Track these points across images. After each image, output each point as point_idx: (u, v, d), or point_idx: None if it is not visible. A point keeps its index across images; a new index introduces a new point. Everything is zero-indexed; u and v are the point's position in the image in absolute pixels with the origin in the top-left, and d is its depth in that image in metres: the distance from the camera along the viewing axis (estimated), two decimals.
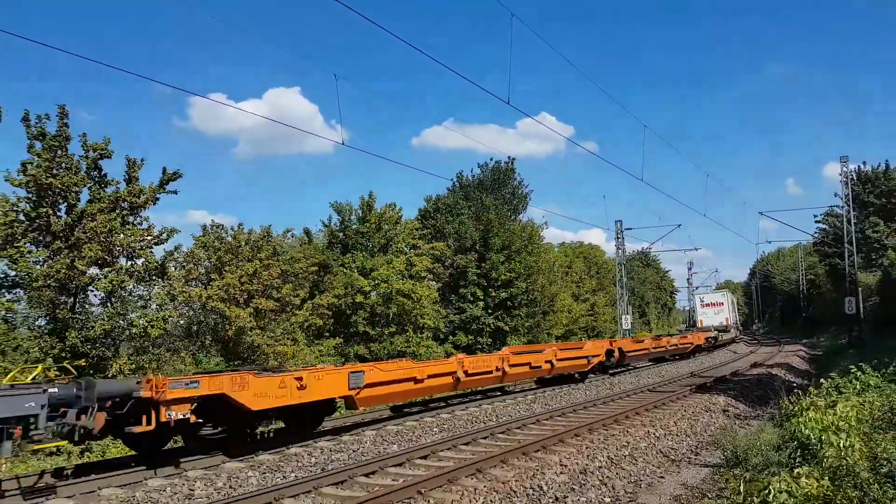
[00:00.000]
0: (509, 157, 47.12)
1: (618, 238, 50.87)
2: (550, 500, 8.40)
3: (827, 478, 5.98)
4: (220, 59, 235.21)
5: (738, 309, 79.16)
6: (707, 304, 58.94)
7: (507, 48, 66.80)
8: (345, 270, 29.78)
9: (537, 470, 9.61)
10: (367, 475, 9.63)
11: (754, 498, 5.71)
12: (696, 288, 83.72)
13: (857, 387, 12.06)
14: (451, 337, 32.98)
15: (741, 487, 6.09)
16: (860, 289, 44.17)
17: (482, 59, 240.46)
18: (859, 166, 57.94)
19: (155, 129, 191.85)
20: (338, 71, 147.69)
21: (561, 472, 9.60)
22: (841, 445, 7.28)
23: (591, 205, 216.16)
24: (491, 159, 47.90)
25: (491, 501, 8.14)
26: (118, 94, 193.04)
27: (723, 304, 58.53)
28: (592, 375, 25.17)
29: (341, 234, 32.77)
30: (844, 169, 47.02)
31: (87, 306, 18.01)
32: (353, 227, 32.51)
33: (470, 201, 42.00)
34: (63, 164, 17.31)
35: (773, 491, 5.38)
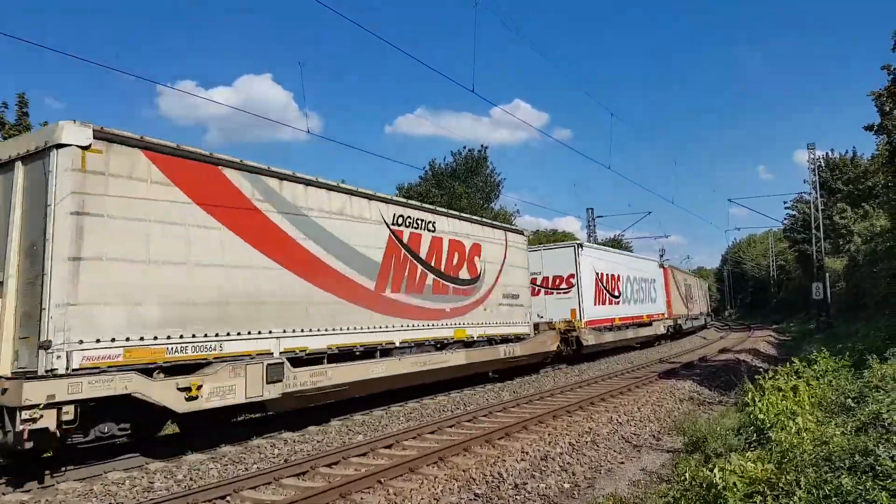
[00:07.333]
0: (482, 146, 47.17)
1: (590, 226, 51.25)
2: (509, 487, 8.47)
3: (773, 461, 6.09)
4: (189, 45, 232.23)
5: (710, 295, 79.74)
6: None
7: (472, 35, 66.74)
8: None
9: (498, 457, 9.69)
10: (329, 465, 9.65)
11: (701, 480, 5.82)
12: None
13: (815, 372, 12.25)
14: None
15: (687, 472, 6.20)
16: (828, 274, 44.88)
17: (451, 47, 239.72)
18: (827, 153, 58.77)
19: (124, 120, 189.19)
20: (308, 59, 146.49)
21: (522, 459, 9.68)
22: (791, 429, 7.41)
23: (565, 192, 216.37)
24: (464, 147, 47.90)
25: (450, 489, 8.19)
26: (87, 84, 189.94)
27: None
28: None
29: None
30: (812, 156, 47.72)
31: None
32: None
33: (442, 189, 42.04)
34: None
35: (716, 474, 5.48)
